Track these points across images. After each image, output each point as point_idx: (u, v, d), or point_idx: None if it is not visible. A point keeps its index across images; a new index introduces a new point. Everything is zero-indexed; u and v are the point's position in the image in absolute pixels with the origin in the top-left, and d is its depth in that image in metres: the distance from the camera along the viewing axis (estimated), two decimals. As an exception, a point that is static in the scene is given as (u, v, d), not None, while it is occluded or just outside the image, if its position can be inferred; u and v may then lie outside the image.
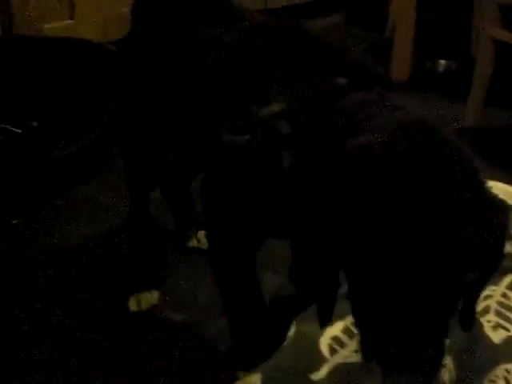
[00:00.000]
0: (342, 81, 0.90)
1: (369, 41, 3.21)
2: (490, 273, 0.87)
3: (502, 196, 0.98)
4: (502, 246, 0.83)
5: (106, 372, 1.21)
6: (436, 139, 0.79)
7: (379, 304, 0.78)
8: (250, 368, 1.11)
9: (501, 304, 1.22)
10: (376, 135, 0.79)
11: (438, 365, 0.80)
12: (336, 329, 1.16)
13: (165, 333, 1.29)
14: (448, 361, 1.07)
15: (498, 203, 0.82)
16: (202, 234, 1.55)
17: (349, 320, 1.17)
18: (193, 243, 1.56)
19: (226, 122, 1.00)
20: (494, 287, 1.21)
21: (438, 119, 0.88)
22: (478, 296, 0.90)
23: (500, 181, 1.38)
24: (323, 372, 1.08)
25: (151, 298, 1.36)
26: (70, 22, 2.37)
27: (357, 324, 0.87)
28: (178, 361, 1.23)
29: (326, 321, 0.92)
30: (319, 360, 1.10)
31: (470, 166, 0.79)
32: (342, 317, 1.18)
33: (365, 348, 0.85)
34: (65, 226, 1.62)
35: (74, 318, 1.32)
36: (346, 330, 1.15)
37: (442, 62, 2.85)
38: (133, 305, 1.35)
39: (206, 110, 1.11)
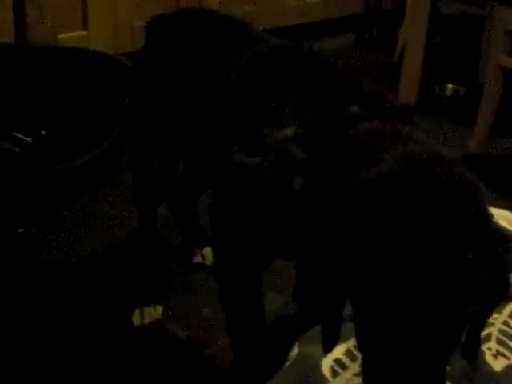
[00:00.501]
0: (356, 109, 0.91)
1: (377, 64, 3.24)
2: (494, 306, 0.88)
3: (504, 223, 0.99)
4: (507, 279, 0.85)
5: (109, 385, 1.22)
6: (447, 174, 0.80)
7: (383, 332, 0.79)
8: (251, 387, 1.12)
9: (502, 332, 1.23)
10: (388, 167, 0.81)
11: None
12: (338, 351, 1.17)
13: (167, 348, 1.29)
14: (448, 388, 1.08)
15: (503, 237, 0.83)
16: (207, 250, 1.57)
17: (351, 343, 1.18)
18: (198, 259, 1.56)
19: (237, 143, 1.00)
20: (495, 315, 1.22)
21: (448, 148, 0.89)
22: (481, 329, 0.91)
23: (503, 207, 1.40)
24: (325, 394, 1.10)
25: (155, 312, 1.37)
26: (83, 32, 2.40)
27: (360, 347, 0.88)
28: (180, 376, 1.23)
29: (331, 345, 0.92)
30: (321, 382, 1.11)
31: (479, 201, 0.81)
32: (344, 339, 1.19)
33: (367, 372, 0.86)
34: (71, 238, 1.63)
35: (78, 331, 1.32)
36: (349, 353, 1.16)
37: (450, 86, 2.87)
38: (136, 319, 1.35)
39: (217, 130, 1.12)
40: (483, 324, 0.90)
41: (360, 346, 0.88)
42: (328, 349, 0.92)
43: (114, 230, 1.67)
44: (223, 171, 1.05)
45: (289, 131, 0.93)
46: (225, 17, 1.28)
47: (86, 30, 2.41)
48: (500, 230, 0.83)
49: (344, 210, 0.82)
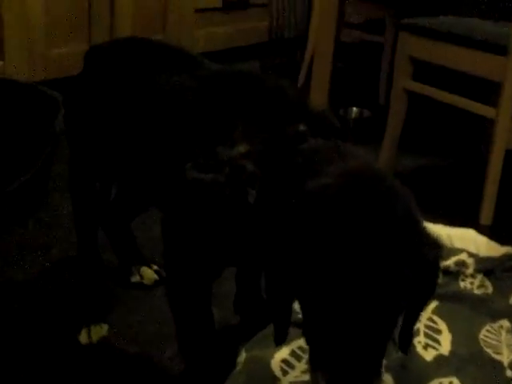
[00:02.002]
0: (303, 128, 1.00)
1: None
2: (423, 302, 0.99)
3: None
4: (436, 277, 0.97)
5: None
6: (381, 185, 0.92)
7: (328, 325, 0.89)
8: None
9: (428, 327, 1.35)
10: (330, 179, 0.91)
11: (377, 377, 0.91)
12: (284, 352, 1.25)
13: (118, 363, 1.33)
14: (386, 377, 1.19)
15: (433, 240, 0.94)
16: (144, 269, 1.61)
17: (295, 345, 1.27)
18: (136, 279, 1.60)
19: (189, 161, 1.05)
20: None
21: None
22: (414, 322, 1.01)
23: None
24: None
25: (101, 330, 1.40)
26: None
27: (308, 341, 0.96)
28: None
29: (281, 339, 1.00)
30: (273, 381, 1.19)
31: (409, 208, 0.92)
32: (288, 342, 1.28)
33: (313, 360, 0.94)
34: (5, 263, 1.63)
35: (25, 353, 1.34)
36: (294, 354, 1.25)
37: (354, 109, 3.04)
38: (84, 338, 1.38)
39: (164, 151, 1.15)
40: (416, 318, 1.01)
41: (308, 340, 0.96)
42: (279, 342, 1.00)
43: (49, 253, 1.69)
44: (176, 187, 1.09)
45: (242, 148, 1.00)
46: (162, 44, 1.34)
47: (2, 59, 2.40)
48: (430, 235, 0.94)
49: (291, 217, 0.92)
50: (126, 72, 1.28)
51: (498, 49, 1.90)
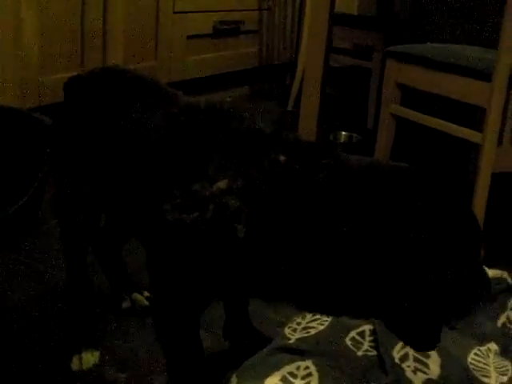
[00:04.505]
0: (283, 158, 1.00)
1: (273, 113, 3.42)
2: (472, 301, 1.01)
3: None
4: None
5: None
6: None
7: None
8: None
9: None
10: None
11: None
12: (275, 379, 1.26)
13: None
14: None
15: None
16: (135, 295, 1.62)
17: (286, 370, 1.28)
18: (127, 305, 1.61)
19: (167, 201, 1.03)
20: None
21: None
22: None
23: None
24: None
25: (92, 357, 1.41)
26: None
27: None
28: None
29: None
30: (263, 407, 1.19)
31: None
32: (278, 368, 1.29)
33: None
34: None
35: (16, 380, 1.34)
36: (284, 379, 1.26)
37: (344, 133, 3.07)
38: (75, 364, 1.38)
39: (138, 189, 1.14)
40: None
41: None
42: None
43: (42, 278, 1.70)
44: (157, 228, 1.07)
45: (222, 184, 0.99)
46: (137, 76, 1.34)
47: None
48: None
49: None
50: (101, 105, 1.28)
51: (482, 75, 1.94)
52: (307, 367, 1.29)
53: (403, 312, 0.94)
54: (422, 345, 1.01)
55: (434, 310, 0.95)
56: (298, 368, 1.29)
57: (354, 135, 3.05)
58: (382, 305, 0.94)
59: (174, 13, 3.24)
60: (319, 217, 0.93)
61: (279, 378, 1.26)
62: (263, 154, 1.02)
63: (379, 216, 0.92)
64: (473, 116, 2.29)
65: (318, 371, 1.27)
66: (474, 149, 2.19)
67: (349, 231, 0.92)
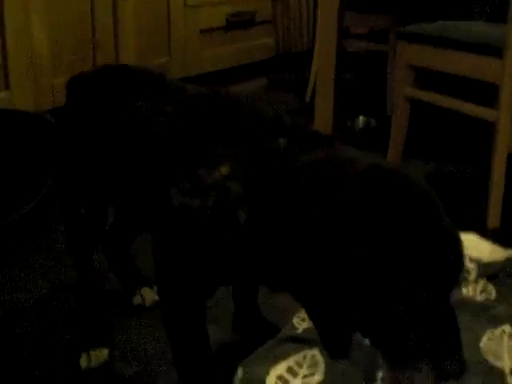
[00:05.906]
0: (284, 142, 1.00)
1: (291, 104, 3.39)
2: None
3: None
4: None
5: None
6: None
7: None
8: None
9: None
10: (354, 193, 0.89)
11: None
12: (280, 369, 1.24)
13: (118, 385, 1.34)
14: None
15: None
16: (145, 290, 1.62)
17: (292, 360, 1.26)
18: (137, 300, 1.61)
19: (173, 187, 1.05)
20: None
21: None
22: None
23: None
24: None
25: (101, 354, 1.41)
26: (5, 92, 2.44)
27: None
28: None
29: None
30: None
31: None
32: (284, 358, 1.28)
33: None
34: (10, 289, 1.66)
35: (26, 377, 1.35)
36: (290, 370, 1.24)
37: (361, 119, 3.03)
38: (84, 362, 1.39)
39: (147, 177, 1.15)
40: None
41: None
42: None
43: (55, 278, 1.71)
44: (163, 214, 1.09)
45: (224, 170, 1.00)
46: (142, 70, 1.34)
47: (7, 88, 2.44)
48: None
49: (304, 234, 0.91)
50: (106, 100, 1.28)
51: (494, 51, 1.89)
52: (314, 356, 1.27)
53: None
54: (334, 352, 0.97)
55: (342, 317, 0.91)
56: (304, 357, 1.27)
57: (372, 120, 3.01)
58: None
59: (186, 7, 3.23)
60: (304, 208, 0.91)
61: (285, 367, 1.24)
62: (263, 139, 1.02)
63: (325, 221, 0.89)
64: (490, 99, 2.23)
65: (325, 360, 1.25)
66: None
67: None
